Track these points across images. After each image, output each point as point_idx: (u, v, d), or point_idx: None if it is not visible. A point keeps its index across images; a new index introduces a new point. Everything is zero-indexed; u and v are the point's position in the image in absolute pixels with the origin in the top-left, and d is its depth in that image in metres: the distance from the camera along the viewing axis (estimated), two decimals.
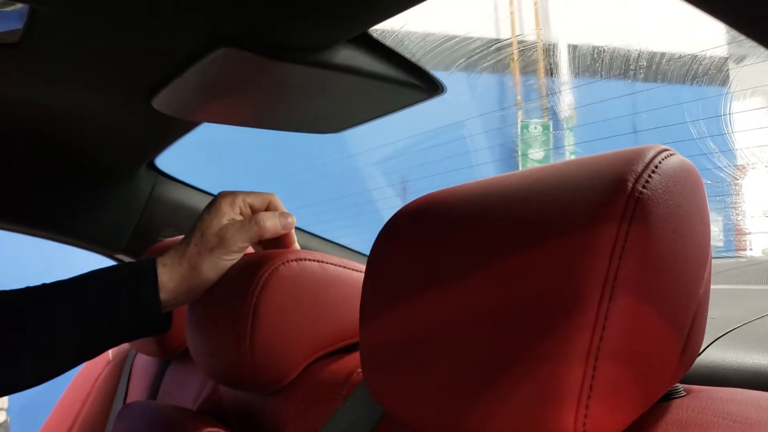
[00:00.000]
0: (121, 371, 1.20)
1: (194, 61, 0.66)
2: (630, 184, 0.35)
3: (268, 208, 0.72)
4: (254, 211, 0.71)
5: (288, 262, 0.65)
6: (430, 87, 0.75)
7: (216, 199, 0.70)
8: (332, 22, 0.60)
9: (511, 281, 0.38)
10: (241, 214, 0.70)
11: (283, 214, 0.71)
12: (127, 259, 1.26)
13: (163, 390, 1.00)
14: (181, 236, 1.14)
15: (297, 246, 0.75)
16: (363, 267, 0.70)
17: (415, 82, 0.73)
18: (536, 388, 0.35)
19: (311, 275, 0.66)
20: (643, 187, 0.35)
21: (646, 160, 0.37)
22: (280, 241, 0.74)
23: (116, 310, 0.65)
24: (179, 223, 1.23)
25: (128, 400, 1.13)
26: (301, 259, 0.66)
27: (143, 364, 1.14)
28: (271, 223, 0.69)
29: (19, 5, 0.62)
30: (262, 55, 0.62)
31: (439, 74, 0.74)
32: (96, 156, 1.05)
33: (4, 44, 0.67)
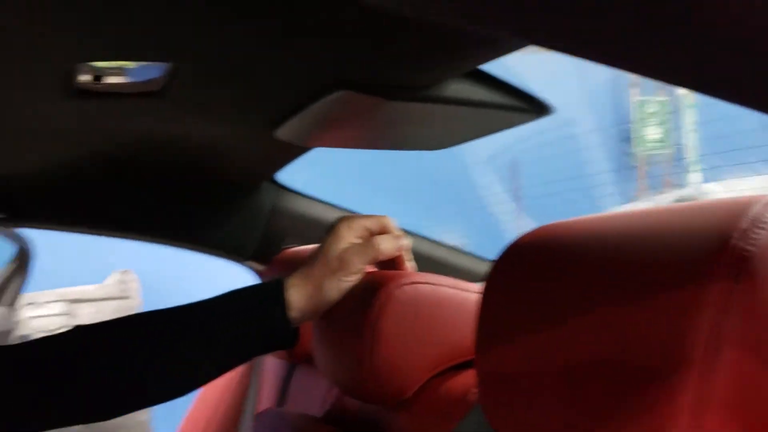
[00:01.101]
0: (251, 371, 1.30)
1: (315, 99, 0.72)
2: (735, 242, 0.36)
3: (383, 230, 0.77)
4: (371, 233, 0.76)
5: (402, 286, 0.70)
6: (538, 109, 0.77)
7: (336, 225, 0.76)
8: (445, 62, 0.64)
9: (620, 326, 0.40)
10: (359, 237, 0.75)
11: (397, 237, 0.76)
12: (255, 266, 1.36)
13: (291, 393, 1.08)
14: (302, 246, 1.22)
15: (411, 263, 0.79)
16: (474, 287, 0.74)
17: (522, 105, 0.76)
18: None
19: (424, 298, 0.70)
20: (750, 244, 0.36)
21: (751, 215, 0.38)
22: (395, 260, 0.78)
23: (251, 329, 0.72)
24: (299, 232, 1.32)
25: (259, 400, 1.23)
26: (415, 283, 0.71)
27: (272, 366, 1.23)
28: (386, 246, 0.74)
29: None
30: (378, 96, 0.67)
31: None
32: (225, 176, 1.15)
33: (148, 92, 0.75)
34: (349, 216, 0.77)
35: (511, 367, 0.48)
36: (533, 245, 0.50)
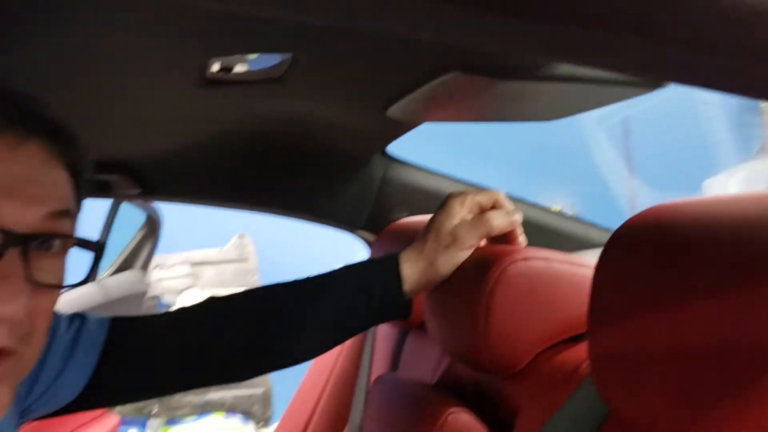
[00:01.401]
0: (365, 336, 1.36)
1: (427, 81, 0.75)
2: None
3: (495, 205, 0.78)
4: (482, 209, 0.78)
5: (516, 261, 0.71)
6: (650, 82, 0.76)
7: (447, 200, 0.78)
8: None
9: (738, 310, 0.40)
10: (471, 212, 0.77)
11: (510, 212, 0.77)
12: (366, 235, 1.41)
13: (403, 359, 1.13)
14: (411, 216, 1.26)
15: (523, 238, 0.81)
16: (587, 262, 0.75)
17: (633, 79, 0.75)
18: (758, 425, 0.38)
19: (537, 273, 0.72)
20: None
21: None
22: (507, 235, 0.79)
23: (369, 301, 0.76)
24: (409, 201, 1.35)
25: (372, 366, 1.28)
26: (528, 259, 0.72)
27: (384, 332, 1.28)
28: (498, 222, 0.76)
29: None
30: (489, 76, 0.68)
31: None
32: (338, 151, 1.20)
33: (269, 79, 0.80)
34: (462, 191, 0.78)
35: (623, 345, 0.49)
36: (648, 225, 0.51)
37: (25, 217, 0.50)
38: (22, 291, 0.48)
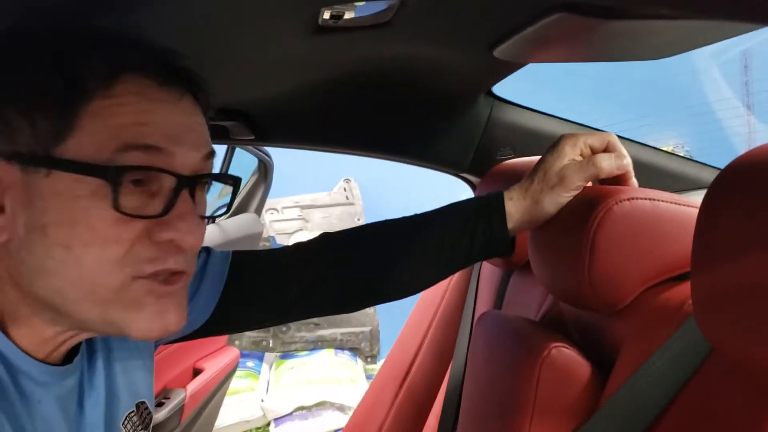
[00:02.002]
0: (470, 275, 1.40)
1: (533, 22, 0.75)
2: None
3: (607, 148, 0.78)
4: (594, 151, 0.78)
5: (621, 201, 0.72)
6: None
7: (559, 141, 0.78)
8: None
9: None
10: (581, 155, 0.77)
11: (619, 156, 0.77)
12: (471, 178, 1.43)
13: (507, 298, 1.16)
14: (516, 158, 1.26)
15: (634, 182, 0.80)
16: (694, 201, 0.74)
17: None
18: None
19: (642, 213, 0.72)
20: None
21: None
22: (617, 179, 0.79)
23: (474, 237, 0.79)
24: (513, 142, 1.35)
25: (477, 304, 1.32)
26: (633, 198, 0.72)
27: (489, 272, 1.31)
28: (606, 164, 0.76)
29: None
30: (596, 16, 0.68)
31: None
32: (444, 92, 1.21)
33: (379, 24, 0.83)
34: (573, 134, 0.79)
35: (727, 283, 0.50)
36: (756, 164, 0.50)
37: (189, 161, 0.57)
38: (199, 224, 0.57)
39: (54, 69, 0.53)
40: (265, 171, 2.36)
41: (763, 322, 0.47)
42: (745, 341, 0.49)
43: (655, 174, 1.35)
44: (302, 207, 3.18)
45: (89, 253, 0.53)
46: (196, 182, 0.58)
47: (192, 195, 0.58)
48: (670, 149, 2.06)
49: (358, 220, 3.27)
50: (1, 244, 0.55)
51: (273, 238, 3.12)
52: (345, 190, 3.28)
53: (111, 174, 0.52)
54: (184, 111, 0.58)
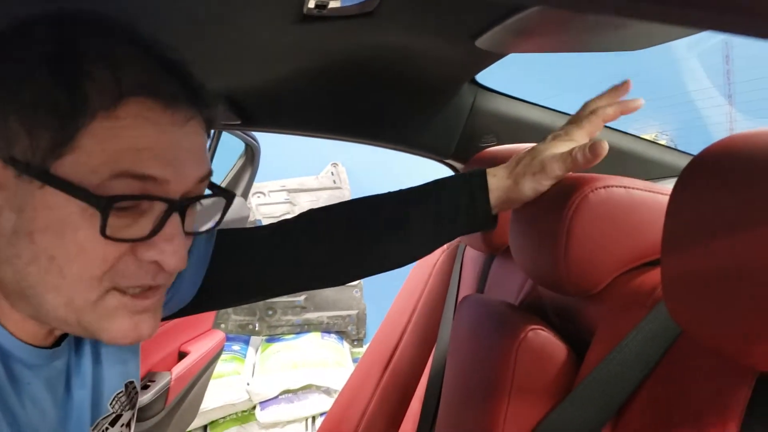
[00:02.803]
0: (453, 260, 1.42)
1: (514, 14, 0.77)
2: None
3: (589, 140, 0.80)
4: (576, 143, 0.80)
5: (596, 189, 0.74)
6: None
7: (555, 136, 0.81)
8: None
9: None
10: (565, 146, 0.80)
11: (594, 147, 0.79)
12: (455, 164, 1.45)
13: (489, 282, 1.18)
14: (498, 145, 1.28)
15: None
16: (668, 189, 0.76)
17: None
18: None
19: (618, 200, 0.74)
20: None
21: None
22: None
23: (458, 210, 0.81)
24: (496, 130, 1.37)
25: (460, 287, 1.34)
26: (608, 186, 0.74)
27: (472, 257, 1.33)
28: (582, 156, 0.78)
29: None
30: (575, 10, 0.69)
31: None
32: (428, 81, 1.22)
33: (363, 13, 0.84)
34: (571, 139, 0.80)
35: (695, 268, 0.52)
36: (726, 153, 0.52)
37: (184, 185, 0.57)
38: (182, 245, 0.57)
39: (59, 84, 0.52)
40: (251, 155, 2.37)
41: (729, 305, 0.49)
42: (712, 326, 0.52)
43: (635, 161, 1.37)
44: (289, 191, 3.19)
45: (73, 266, 0.54)
46: (187, 206, 0.58)
47: (182, 216, 0.58)
48: (653, 136, 2.09)
49: None
50: None
51: (259, 221, 3.13)
52: (332, 174, 3.29)
53: (101, 203, 0.52)
54: (187, 134, 0.57)
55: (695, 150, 1.35)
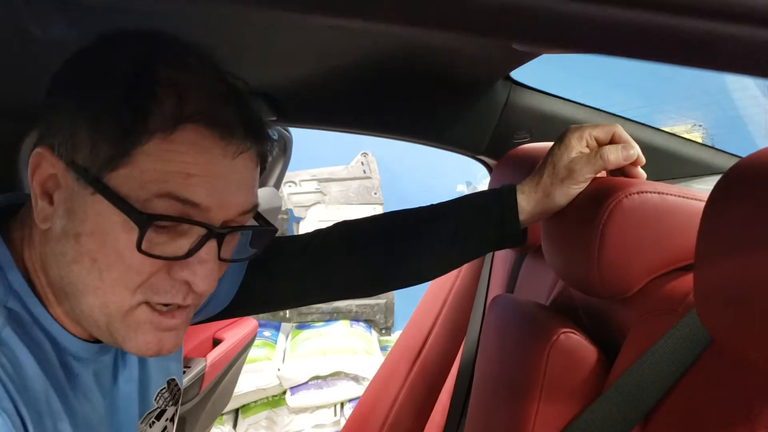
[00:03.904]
0: (484, 261, 1.43)
1: None
2: None
3: (613, 139, 0.80)
4: (600, 143, 0.80)
5: (630, 195, 0.74)
6: None
7: (565, 134, 0.80)
8: None
9: None
10: (588, 146, 0.80)
11: (626, 146, 0.79)
12: (487, 160, 1.45)
13: (520, 281, 1.19)
14: (531, 142, 1.28)
15: (640, 172, 0.82)
16: (702, 194, 0.76)
17: None
18: None
19: (652, 206, 0.75)
20: None
21: None
22: (625, 169, 0.81)
23: (486, 228, 0.82)
24: (530, 126, 1.37)
25: (490, 285, 1.35)
26: (642, 192, 0.75)
27: (502, 254, 1.34)
28: (614, 156, 0.78)
29: None
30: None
31: None
32: (463, 77, 1.23)
33: None
34: (579, 126, 0.81)
35: (728, 280, 0.52)
36: (762, 166, 0.52)
37: (225, 215, 0.59)
38: (215, 271, 0.60)
39: (127, 102, 0.55)
40: (284, 146, 2.39)
41: (760, 318, 0.50)
42: (743, 336, 0.52)
43: (670, 158, 1.37)
44: (320, 180, 3.21)
45: (111, 272, 0.57)
46: (225, 234, 0.60)
47: (219, 243, 0.60)
48: (687, 128, 2.06)
49: (375, 194, 3.29)
50: (42, 231, 0.59)
51: (291, 210, 3.16)
52: (362, 164, 3.30)
53: (142, 219, 0.54)
54: (237, 168, 0.59)
55: (732, 148, 1.34)
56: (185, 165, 0.55)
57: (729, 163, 1.32)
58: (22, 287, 0.61)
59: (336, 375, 2.84)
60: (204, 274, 0.59)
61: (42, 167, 0.58)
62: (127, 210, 0.54)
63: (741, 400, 0.58)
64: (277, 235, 0.81)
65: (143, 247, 0.55)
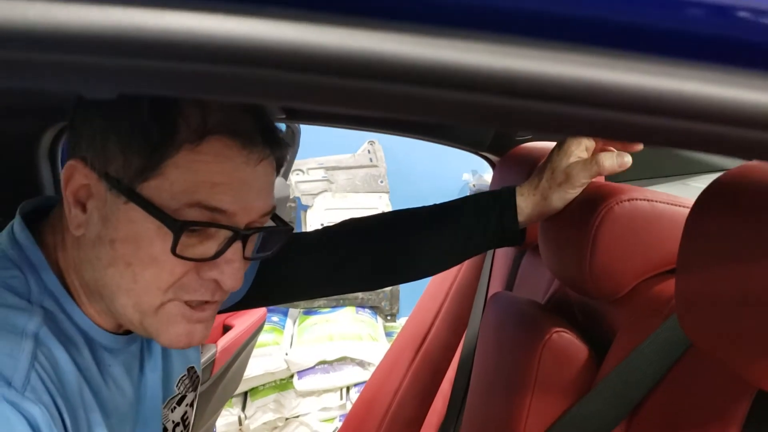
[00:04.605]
0: (484, 257, 1.47)
1: None
2: None
3: (609, 146, 0.84)
4: (596, 150, 0.84)
5: (621, 202, 0.78)
6: None
7: (564, 140, 0.85)
8: None
9: None
10: (585, 152, 0.83)
11: (620, 154, 0.83)
12: (491, 156, 1.49)
13: (519, 277, 1.23)
14: (534, 141, 1.32)
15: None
16: (689, 202, 0.80)
17: None
18: None
19: (641, 212, 0.79)
20: None
21: None
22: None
23: (486, 228, 0.86)
24: None
25: (491, 279, 1.40)
26: (632, 199, 0.79)
27: (503, 250, 1.38)
28: (609, 163, 0.81)
29: None
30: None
31: None
32: None
33: None
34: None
35: (706, 289, 0.56)
36: (744, 181, 0.55)
37: (249, 218, 0.64)
38: (241, 269, 0.65)
39: (155, 117, 0.59)
40: (292, 136, 2.43)
41: (736, 326, 0.54)
42: (721, 343, 0.57)
43: (672, 156, 1.40)
44: (327, 168, 3.25)
45: (145, 275, 0.62)
46: (249, 236, 0.65)
47: (244, 243, 0.65)
48: None
49: (382, 182, 3.32)
50: (75, 236, 0.64)
51: (298, 198, 3.20)
52: (369, 152, 3.33)
53: (176, 226, 0.59)
54: (259, 175, 0.63)
55: None
56: (211, 174, 0.60)
57: (727, 161, 1.35)
58: (57, 288, 0.65)
59: (342, 360, 2.90)
60: (231, 272, 0.64)
61: (75, 178, 0.62)
62: (162, 218, 0.59)
63: (717, 399, 0.63)
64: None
65: (177, 250, 0.60)
